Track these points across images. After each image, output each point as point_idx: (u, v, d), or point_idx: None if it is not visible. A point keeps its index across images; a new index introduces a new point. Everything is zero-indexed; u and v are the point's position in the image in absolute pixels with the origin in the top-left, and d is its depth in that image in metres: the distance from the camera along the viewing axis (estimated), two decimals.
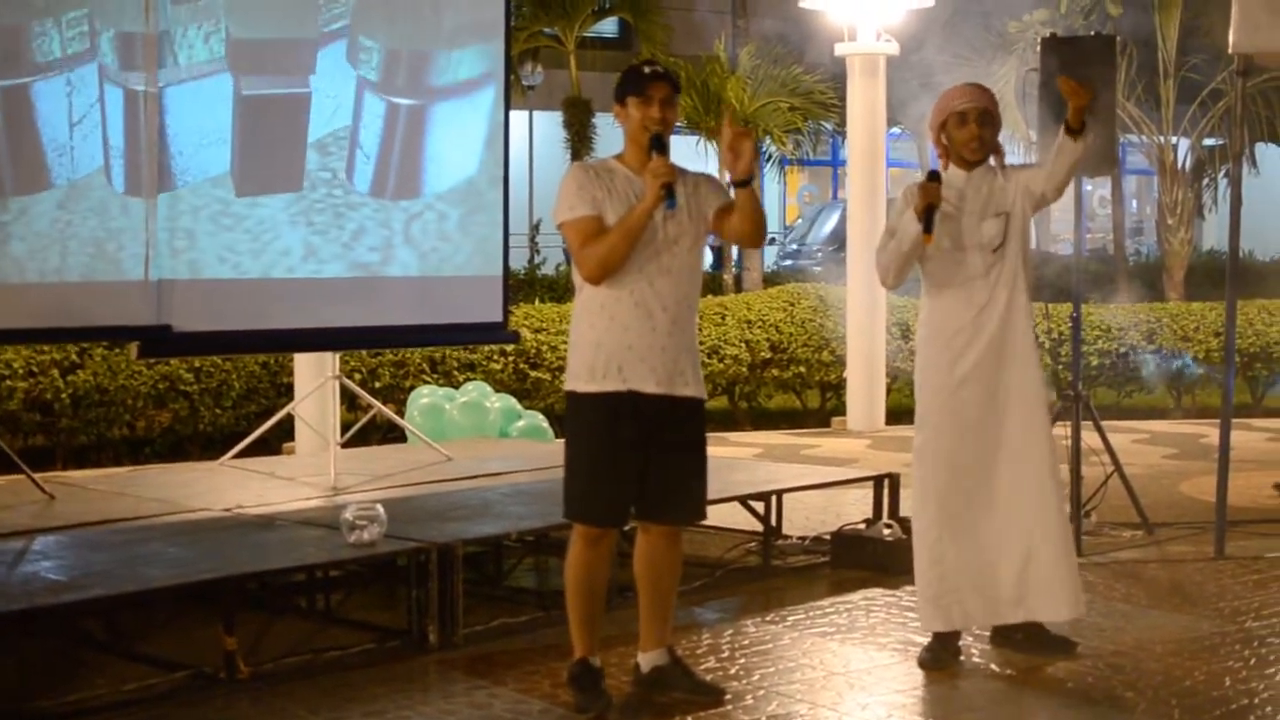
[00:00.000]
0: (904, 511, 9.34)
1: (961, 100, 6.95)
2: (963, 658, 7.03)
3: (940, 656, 6.97)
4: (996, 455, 6.95)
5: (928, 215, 6.74)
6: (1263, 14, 8.83)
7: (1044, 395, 7.09)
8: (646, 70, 6.18)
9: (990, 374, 6.93)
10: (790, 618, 7.85)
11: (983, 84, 7.18)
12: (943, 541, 6.97)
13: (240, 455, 9.90)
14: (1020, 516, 6.94)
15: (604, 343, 6.11)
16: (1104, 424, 10.04)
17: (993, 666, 6.99)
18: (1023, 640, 7.12)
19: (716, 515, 8.23)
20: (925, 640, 7.10)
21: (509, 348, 14.53)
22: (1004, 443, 6.95)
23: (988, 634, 7.23)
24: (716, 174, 21.15)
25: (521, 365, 14.82)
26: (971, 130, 6.91)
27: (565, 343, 6.34)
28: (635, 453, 6.13)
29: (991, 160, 7.02)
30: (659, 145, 6.06)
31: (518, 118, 28.59)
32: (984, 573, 6.97)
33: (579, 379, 6.17)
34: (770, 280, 24.97)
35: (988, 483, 6.95)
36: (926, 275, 7.03)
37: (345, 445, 9.87)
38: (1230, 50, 9.16)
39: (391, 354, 14.09)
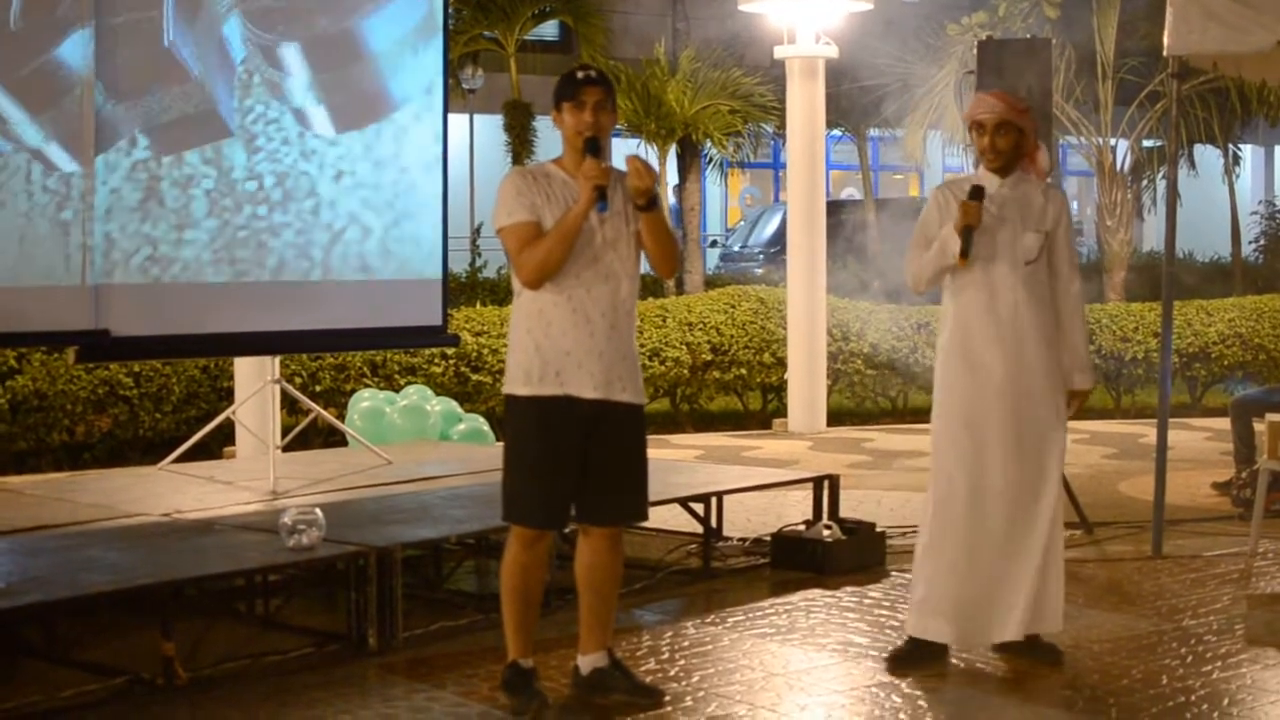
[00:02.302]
0: (844, 513, 9.39)
1: (979, 111, 6.95)
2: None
3: (911, 660, 6.96)
4: (1007, 472, 6.88)
5: (966, 236, 6.77)
6: (1196, 17, 8.89)
7: (1063, 412, 7.02)
8: (579, 75, 6.19)
9: (1011, 382, 6.88)
10: (730, 619, 7.86)
11: (1007, 93, 7.14)
12: (938, 553, 6.94)
13: (180, 460, 9.86)
14: (1024, 536, 6.90)
15: (541, 347, 6.12)
16: None
17: None
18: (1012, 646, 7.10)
19: (657, 517, 8.23)
20: (863, 641, 7.11)
21: (450, 351, 14.49)
22: (1018, 459, 6.89)
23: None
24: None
25: (462, 368, 14.78)
26: (985, 141, 6.92)
27: (506, 346, 6.34)
28: (572, 456, 6.14)
29: (1031, 174, 7.03)
30: (593, 148, 6.07)
31: (458, 121, 28.56)
32: (977, 592, 6.91)
33: (516, 382, 6.18)
34: (711, 283, 24.99)
35: (998, 497, 6.89)
36: (952, 279, 7.00)
37: (285, 449, 9.84)
38: (1165, 53, 9.22)
39: (332, 358, 14.03)
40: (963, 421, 6.92)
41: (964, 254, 6.77)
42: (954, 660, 7.03)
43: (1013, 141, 6.92)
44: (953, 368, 6.97)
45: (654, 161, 24.25)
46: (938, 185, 7.20)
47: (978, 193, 6.82)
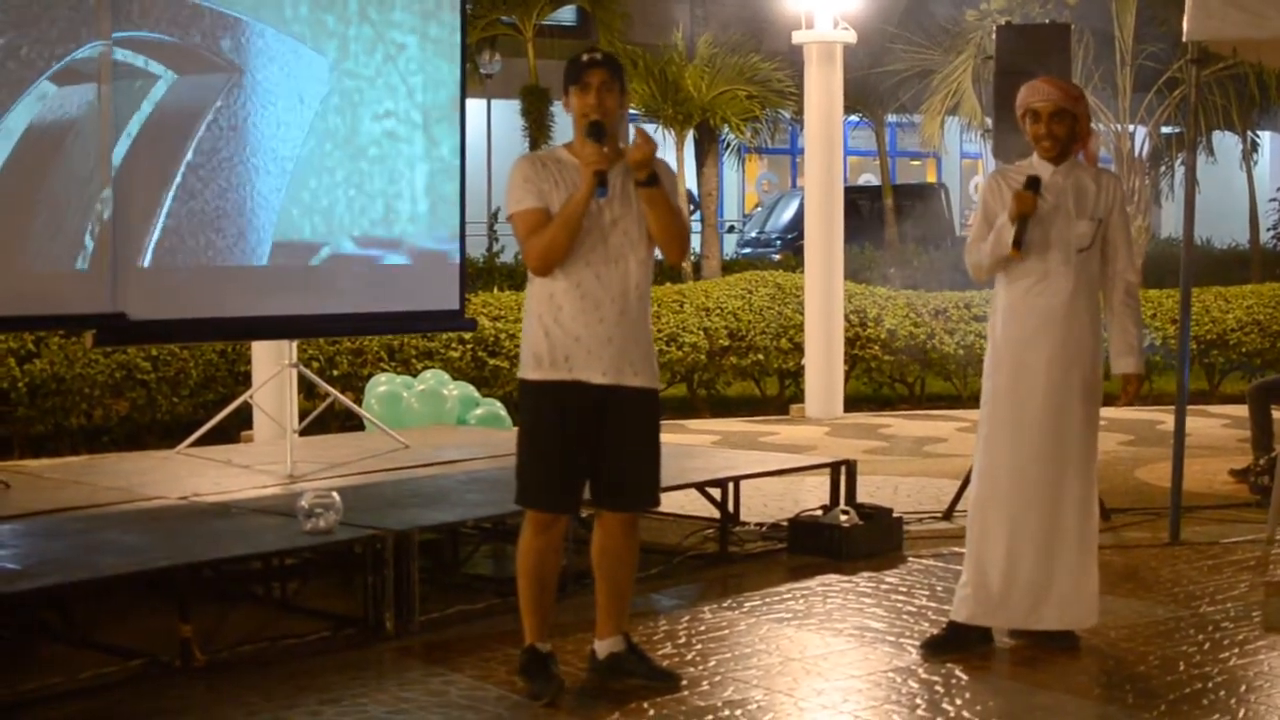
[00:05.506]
0: (860, 498, 9.39)
1: (1035, 98, 6.90)
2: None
3: (947, 645, 6.96)
4: (1052, 456, 6.86)
5: (1021, 225, 6.75)
6: (1216, 3, 8.86)
7: (1099, 400, 7.00)
8: (585, 58, 6.15)
9: (1058, 372, 6.85)
10: (747, 604, 7.86)
11: (1062, 80, 7.09)
12: (980, 537, 6.94)
13: (198, 443, 9.87)
14: (1059, 524, 6.89)
15: (551, 333, 6.12)
16: None
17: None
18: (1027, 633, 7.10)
19: (674, 502, 8.24)
20: (879, 626, 7.09)
21: (467, 336, 14.51)
22: (1061, 446, 6.87)
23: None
24: (674, 165, 21.02)
25: (480, 353, 14.80)
26: (1041, 129, 6.88)
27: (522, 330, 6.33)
28: (583, 440, 6.14)
29: (1081, 157, 7.00)
30: (595, 132, 6.04)
31: (475, 106, 28.53)
32: (1018, 573, 6.89)
33: (528, 367, 6.18)
34: (729, 268, 24.98)
35: (1039, 484, 6.87)
36: (1006, 267, 6.97)
37: (302, 433, 9.85)
38: (1184, 39, 9.19)
39: (349, 342, 14.05)
40: (1008, 406, 6.90)
41: (1017, 244, 6.77)
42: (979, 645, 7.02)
43: (1068, 129, 6.88)
44: (1002, 354, 6.96)
45: (670, 147, 24.28)
46: (990, 173, 7.17)
47: (1034, 183, 6.79)
